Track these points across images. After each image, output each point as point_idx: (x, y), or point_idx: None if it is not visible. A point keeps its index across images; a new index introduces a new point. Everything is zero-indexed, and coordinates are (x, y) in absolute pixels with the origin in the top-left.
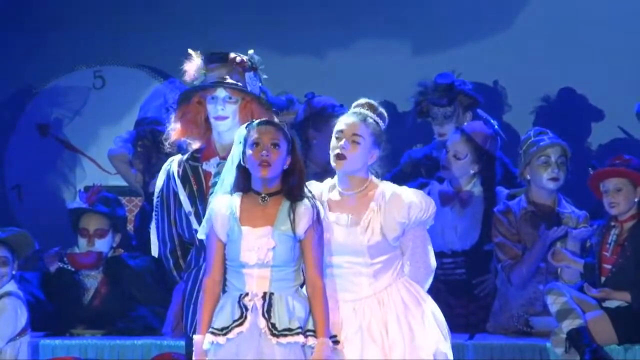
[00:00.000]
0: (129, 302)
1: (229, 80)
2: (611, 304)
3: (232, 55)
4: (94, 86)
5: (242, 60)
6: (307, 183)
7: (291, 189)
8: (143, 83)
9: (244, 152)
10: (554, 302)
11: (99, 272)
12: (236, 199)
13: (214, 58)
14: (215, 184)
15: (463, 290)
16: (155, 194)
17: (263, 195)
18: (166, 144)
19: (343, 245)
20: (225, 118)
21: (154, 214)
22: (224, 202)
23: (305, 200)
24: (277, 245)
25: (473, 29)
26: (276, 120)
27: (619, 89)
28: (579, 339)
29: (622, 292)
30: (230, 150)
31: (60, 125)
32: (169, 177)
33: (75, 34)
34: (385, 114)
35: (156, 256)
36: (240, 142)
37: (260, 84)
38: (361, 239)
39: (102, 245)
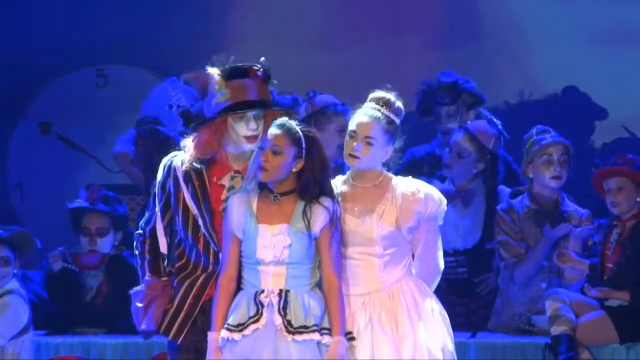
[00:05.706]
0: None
1: (263, 99)
2: (613, 303)
3: (254, 68)
4: (97, 84)
5: (264, 73)
6: None
7: (304, 188)
8: (146, 82)
9: None
10: (549, 308)
11: (100, 271)
12: (253, 196)
13: (236, 73)
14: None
15: (465, 288)
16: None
17: (275, 194)
18: (181, 165)
19: (354, 235)
20: (257, 137)
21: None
22: (240, 199)
23: (322, 199)
24: (293, 242)
25: (480, 28)
26: (289, 122)
27: (623, 87)
28: (556, 345)
29: (621, 292)
30: (246, 162)
31: (63, 124)
32: (169, 173)
33: (78, 32)
34: (402, 107)
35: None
36: None
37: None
38: (374, 228)
39: (103, 244)
